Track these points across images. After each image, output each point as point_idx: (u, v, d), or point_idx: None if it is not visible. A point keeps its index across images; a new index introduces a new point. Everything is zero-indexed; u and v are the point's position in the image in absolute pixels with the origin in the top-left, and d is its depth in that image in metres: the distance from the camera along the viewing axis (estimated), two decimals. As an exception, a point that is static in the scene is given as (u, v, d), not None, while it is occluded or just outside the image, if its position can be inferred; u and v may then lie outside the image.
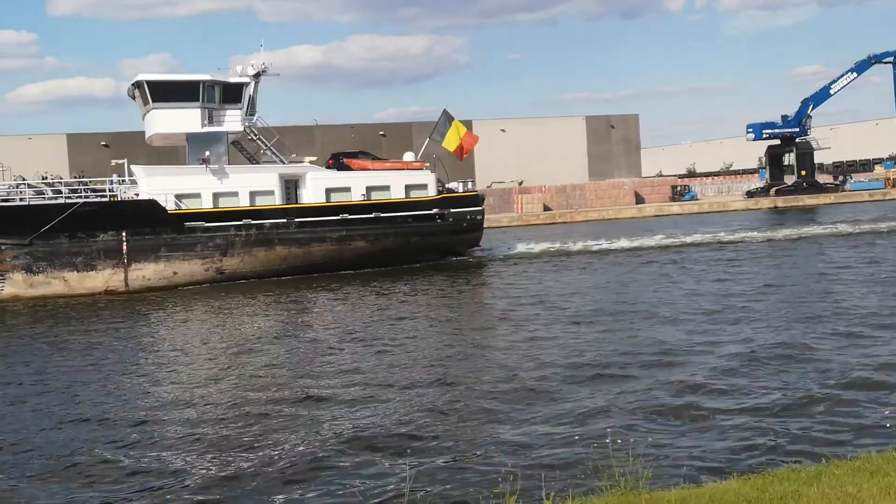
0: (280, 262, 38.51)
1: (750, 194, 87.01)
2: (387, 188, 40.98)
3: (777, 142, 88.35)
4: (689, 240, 44.71)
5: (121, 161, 39.55)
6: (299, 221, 38.72)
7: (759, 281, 27.96)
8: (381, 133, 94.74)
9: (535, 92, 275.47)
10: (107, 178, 38.78)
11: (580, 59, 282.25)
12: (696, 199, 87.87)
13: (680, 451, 11.37)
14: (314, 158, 43.43)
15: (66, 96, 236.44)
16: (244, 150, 42.30)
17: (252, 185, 38.82)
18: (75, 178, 48.88)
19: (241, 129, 39.82)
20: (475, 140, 45.12)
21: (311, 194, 39.85)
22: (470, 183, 44.69)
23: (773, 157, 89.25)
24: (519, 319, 22.96)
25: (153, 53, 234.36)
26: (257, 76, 40.17)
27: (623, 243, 44.33)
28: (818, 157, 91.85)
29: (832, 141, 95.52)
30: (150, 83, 38.21)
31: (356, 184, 40.55)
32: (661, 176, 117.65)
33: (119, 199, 37.13)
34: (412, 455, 11.51)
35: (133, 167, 38.64)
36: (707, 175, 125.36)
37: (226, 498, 10.75)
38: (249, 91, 39.79)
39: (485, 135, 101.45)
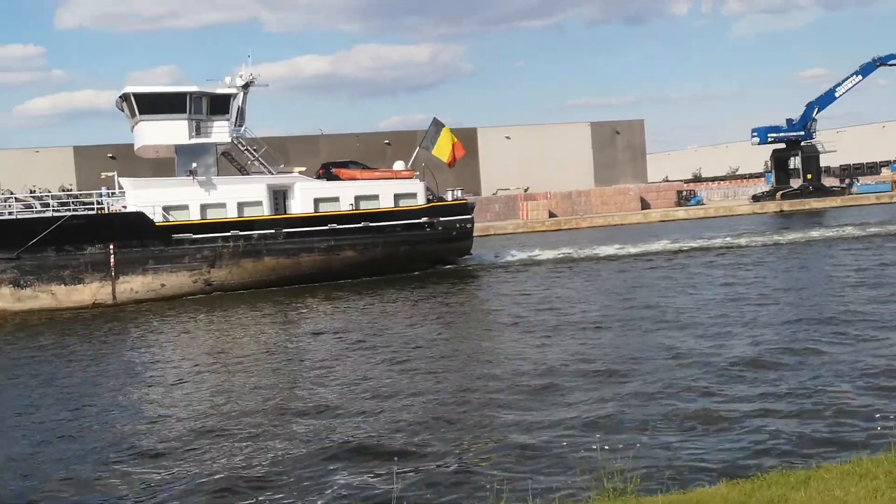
0: (268, 272, 38.45)
1: (756, 198, 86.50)
2: (375, 197, 40.86)
3: (782, 146, 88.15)
4: (694, 244, 44.43)
5: (110, 174, 39.67)
6: (287, 232, 38.62)
7: (765, 285, 27.67)
8: (386, 142, 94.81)
9: (540, 98, 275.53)
10: (94, 191, 38.91)
11: (585, 65, 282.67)
12: (702, 204, 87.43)
13: (670, 455, 11.34)
14: (303, 169, 43.41)
15: (74, 109, 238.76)
16: (234, 160, 42.30)
17: (240, 196, 38.80)
18: (63, 191, 49.04)
19: (230, 140, 39.77)
20: (461, 151, 44.79)
21: (299, 204, 39.79)
22: (459, 191, 44.49)
23: (779, 160, 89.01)
24: (499, 326, 22.80)
25: (160, 66, 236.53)
26: (246, 87, 40.15)
27: (630, 249, 44.02)
28: (824, 161, 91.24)
29: (838, 144, 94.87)
30: (136, 95, 38.23)
31: (344, 193, 40.46)
32: (667, 181, 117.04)
33: (107, 211, 37.24)
34: (401, 461, 11.59)
35: (121, 179, 38.68)
36: (713, 180, 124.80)
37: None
38: (238, 102, 39.79)
39: (490, 142, 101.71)
